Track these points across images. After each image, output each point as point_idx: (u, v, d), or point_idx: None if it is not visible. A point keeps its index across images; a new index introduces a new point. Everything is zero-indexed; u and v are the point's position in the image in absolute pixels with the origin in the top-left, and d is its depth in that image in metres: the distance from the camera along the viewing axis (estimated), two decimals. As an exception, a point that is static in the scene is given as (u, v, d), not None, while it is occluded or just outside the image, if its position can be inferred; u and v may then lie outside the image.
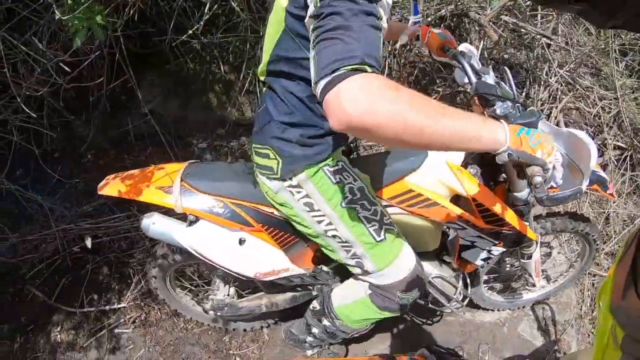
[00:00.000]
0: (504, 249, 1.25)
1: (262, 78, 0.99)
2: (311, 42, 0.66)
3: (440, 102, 0.64)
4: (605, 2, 0.29)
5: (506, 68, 1.07)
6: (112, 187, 1.11)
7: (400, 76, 1.95)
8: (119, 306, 1.80)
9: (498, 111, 0.94)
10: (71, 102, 2.12)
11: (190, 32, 1.94)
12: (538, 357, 1.73)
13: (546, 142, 0.73)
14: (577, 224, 1.45)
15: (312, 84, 0.63)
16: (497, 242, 1.22)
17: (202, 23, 1.90)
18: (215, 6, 1.92)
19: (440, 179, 1.11)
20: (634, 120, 2.25)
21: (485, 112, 0.98)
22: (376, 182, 1.11)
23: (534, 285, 1.60)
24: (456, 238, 1.24)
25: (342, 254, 1.09)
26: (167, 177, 1.03)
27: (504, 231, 1.17)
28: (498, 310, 1.78)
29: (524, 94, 1.94)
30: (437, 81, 1.89)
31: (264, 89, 1.02)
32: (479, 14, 1.73)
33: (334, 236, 1.05)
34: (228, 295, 1.44)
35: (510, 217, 1.13)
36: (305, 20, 0.71)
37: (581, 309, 1.94)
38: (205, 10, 1.90)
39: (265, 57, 0.93)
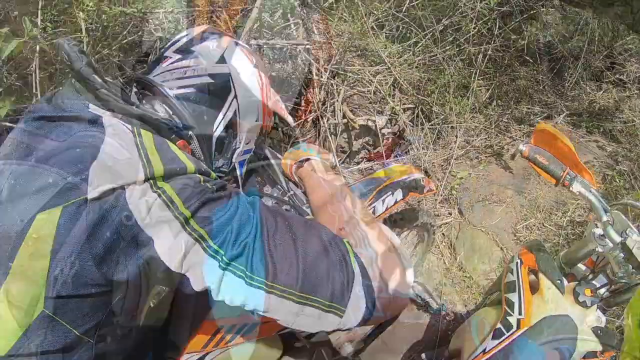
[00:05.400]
0: None
1: None
2: None
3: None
4: None
5: None
6: None
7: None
8: None
9: None
10: None
11: None
12: (434, 332, 1.73)
13: None
14: (414, 219, 1.46)
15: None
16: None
17: None
18: None
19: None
20: (410, 79, 2.48)
21: None
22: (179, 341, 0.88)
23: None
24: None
25: None
26: None
27: None
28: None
29: (302, 101, 1.96)
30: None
31: None
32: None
33: None
34: None
35: None
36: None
37: (445, 263, 2.02)
38: None
39: None
